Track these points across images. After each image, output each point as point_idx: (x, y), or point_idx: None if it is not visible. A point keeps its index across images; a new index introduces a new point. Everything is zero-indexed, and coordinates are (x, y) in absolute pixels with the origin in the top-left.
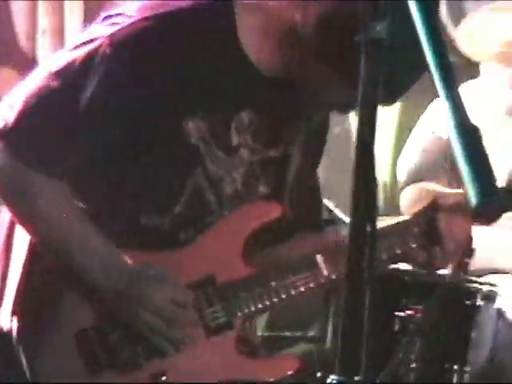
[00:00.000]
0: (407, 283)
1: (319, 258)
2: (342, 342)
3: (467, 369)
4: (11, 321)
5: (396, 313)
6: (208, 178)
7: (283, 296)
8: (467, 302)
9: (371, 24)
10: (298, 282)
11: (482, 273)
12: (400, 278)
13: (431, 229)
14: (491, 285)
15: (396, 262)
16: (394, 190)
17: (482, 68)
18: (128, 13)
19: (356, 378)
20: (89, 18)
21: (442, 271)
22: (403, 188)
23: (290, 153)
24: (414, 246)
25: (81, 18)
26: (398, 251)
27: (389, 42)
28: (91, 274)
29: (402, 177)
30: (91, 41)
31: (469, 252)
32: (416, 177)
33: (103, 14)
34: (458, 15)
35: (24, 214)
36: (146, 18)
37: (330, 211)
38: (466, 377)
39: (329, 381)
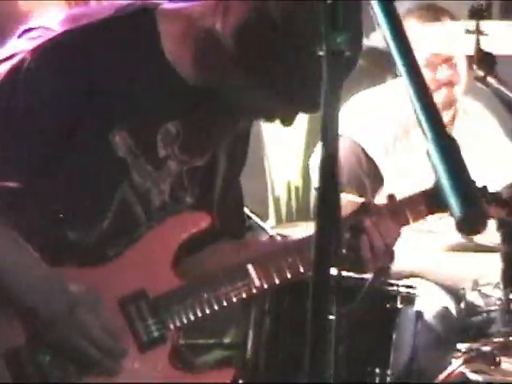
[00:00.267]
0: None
1: (250, 267)
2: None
3: (389, 371)
4: None
5: None
6: (135, 192)
7: (216, 307)
8: (387, 305)
9: (331, 36)
10: (231, 293)
11: (399, 276)
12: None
13: (360, 233)
14: (410, 287)
15: None
16: (307, 193)
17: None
18: (48, 25)
19: None
20: None
21: (362, 275)
22: None
23: (216, 161)
24: (343, 250)
25: None
26: None
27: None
28: (26, 297)
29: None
30: (13, 56)
31: (389, 256)
32: None
33: (22, 28)
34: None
35: None
36: (67, 32)
37: (248, 217)
38: (388, 379)
39: None
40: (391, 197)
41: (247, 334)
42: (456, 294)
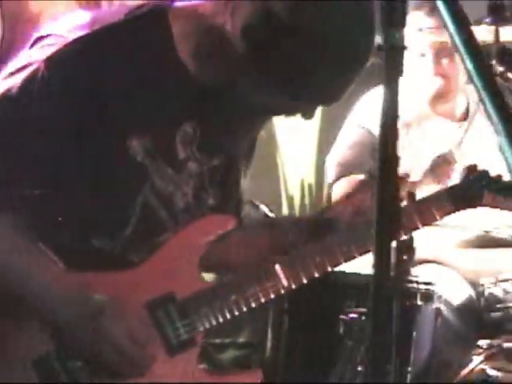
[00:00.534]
0: (347, 286)
1: (278, 267)
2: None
3: (409, 369)
4: None
5: (340, 316)
6: (158, 196)
7: (244, 308)
8: (407, 303)
9: (390, 32)
10: (259, 294)
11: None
12: (340, 280)
13: None
14: (429, 284)
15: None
16: (320, 191)
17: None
18: (59, 33)
19: None
20: None
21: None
22: (334, 183)
23: (234, 160)
24: None
25: None
26: None
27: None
28: (49, 306)
29: (331, 173)
30: (27, 66)
31: (410, 250)
32: (346, 170)
33: (33, 37)
34: None
35: None
36: (79, 39)
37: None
38: (409, 377)
39: None
40: (411, 195)
41: (266, 334)
42: (475, 290)
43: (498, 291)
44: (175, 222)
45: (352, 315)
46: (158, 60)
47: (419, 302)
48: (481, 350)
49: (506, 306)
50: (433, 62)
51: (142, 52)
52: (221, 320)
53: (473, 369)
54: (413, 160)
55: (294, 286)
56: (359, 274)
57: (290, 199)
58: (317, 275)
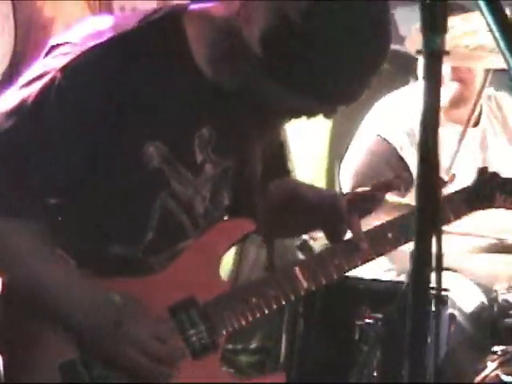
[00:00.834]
0: (362, 291)
1: (297, 269)
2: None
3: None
4: None
5: (356, 322)
6: (177, 200)
7: (266, 311)
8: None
9: (430, 37)
10: (280, 296)
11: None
12: (355, 286)
13: None
14: (444, 290)
15: None
16: None
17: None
18: (75, 41)
19: None
20: None
21: (398, 278)
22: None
23: (246, 162)
24: None
25: None
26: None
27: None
28: (72, 312)
29: (347, 180)
30: (43, 75)
31: None
32: (364, 179)
33: (48, 45)
34: None
35: None
36: (95, 47)
37: None
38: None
39: None
40: None
41: (280, 337)
42: (488, 296)
43: (511, 297)
44: (196, 226)
45: (368, 320)
46: (173, 65)
47: (434, 307)
48: (495, 356)
49: None
50: (450, 66)
51: (157, 57)
52: (243, 323)
53: (487, 375)
54: None
55: (313, 288)
56: (374, 280)
57: None
58: (336, 277)
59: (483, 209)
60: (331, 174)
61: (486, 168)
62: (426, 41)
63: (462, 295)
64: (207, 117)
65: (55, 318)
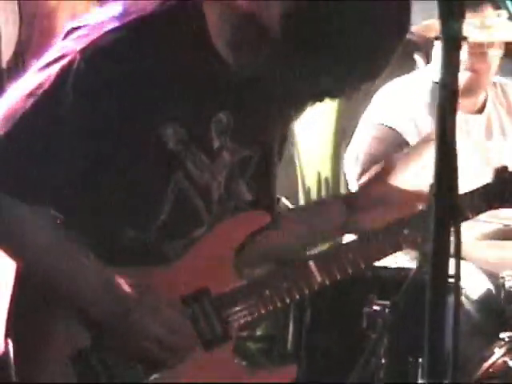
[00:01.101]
0: (369, 279)
1: (312, 263)
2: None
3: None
4: (7, 344)
5: (364, 309)
6: (193, 183)
7: (278, 304)
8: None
9: (448, 23)
10: (293, 289)
11: None
12: (363, 273)
13: None
14: (450, 277)
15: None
16: (337, 184)
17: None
18: (93, 23)
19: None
20: None
21: (406, 265)
22: (360, 178)
23: (268, 152)
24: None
25: None
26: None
27: None
28: (86, 302)
29: (352, 167)
30: (62, 57)
31: None
32: (369, 164)
33: (66, 28)
34: None
35: (10, 244)
36: (114, 29)
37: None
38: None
39: None
40: None
41: (287, 325)
42: (495, 283)
43: None
44: (209, 212)
45: (375, 307)
46: (192, 49)
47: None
48: (502, 343)
49: None
50: (465, 56)
51: (176, 41)
52: (256, 315)
53: (494, 362)
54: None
55: (327, 283)
56: (383, 267)
57: (307, 192)
58: (351, 272)
59: (504, 207)
60: (337, 163)
61: (505, 167)
62: (445, 27)
63: (469, 282)
64: (225, 102)
65: (69, 303)
